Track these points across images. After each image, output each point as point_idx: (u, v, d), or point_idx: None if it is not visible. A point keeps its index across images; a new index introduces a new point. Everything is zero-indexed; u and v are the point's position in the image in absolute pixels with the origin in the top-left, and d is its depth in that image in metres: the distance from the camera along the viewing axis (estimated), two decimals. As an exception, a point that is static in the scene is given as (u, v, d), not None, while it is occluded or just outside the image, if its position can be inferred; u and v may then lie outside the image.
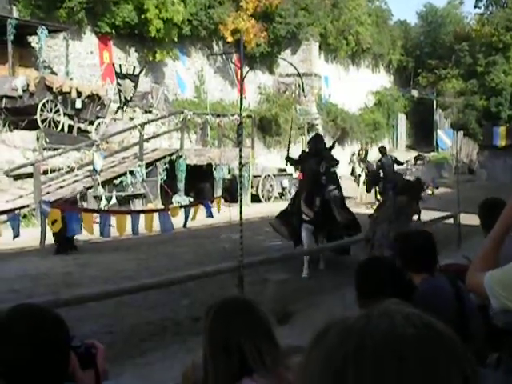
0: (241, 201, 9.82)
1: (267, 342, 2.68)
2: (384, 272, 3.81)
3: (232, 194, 27.88)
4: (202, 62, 41.88)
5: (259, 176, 30.95)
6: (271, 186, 31.60)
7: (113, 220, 15.94)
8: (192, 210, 17.53)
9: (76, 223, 15.47)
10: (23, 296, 11.13)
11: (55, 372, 2.42)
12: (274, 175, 32.24)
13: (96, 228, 15.69)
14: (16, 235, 15.23)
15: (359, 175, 32.68)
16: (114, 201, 24.08)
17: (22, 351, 2.36)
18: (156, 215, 16.58)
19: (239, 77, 38.75)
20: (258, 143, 35.43)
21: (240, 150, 9.42)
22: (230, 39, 40.32)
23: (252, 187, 30.18)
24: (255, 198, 29.89)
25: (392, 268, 3.94)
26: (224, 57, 42.66)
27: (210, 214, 18.50)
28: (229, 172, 29.50)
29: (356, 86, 52.51)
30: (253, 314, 2.74)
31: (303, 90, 38.38)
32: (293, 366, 2.60)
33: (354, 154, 35.32)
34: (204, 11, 39.52)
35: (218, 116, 33.11)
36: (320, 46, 48.50)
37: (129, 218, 15.71)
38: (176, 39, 37.05)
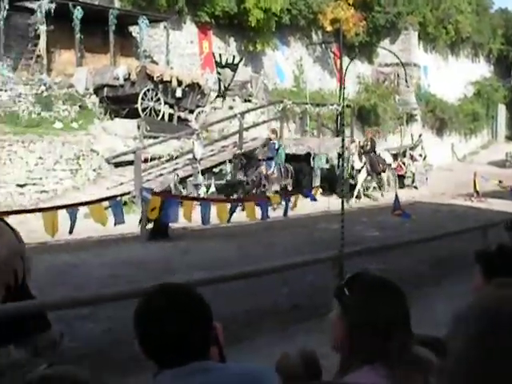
0: (342, 190, 9.76)
1: (406, 326, 2.56)
2: None
3: (330, 183, 27.82)
4: (301, 52, 41.74)
5: (357, 166, 30.67)
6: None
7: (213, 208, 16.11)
8: (292, 199, 17.55)
9: (174, 211, 15.72)
10: (124, 281, 11.32)
11: (202, 347, 2.51)
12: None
13: (196, 215, 15.87)
14: (119, 222, 15.52)
15: (358, 171, 29.11)
16: (212, 189, 24.27)
17: (173, 327, 2.44)
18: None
19: (338, 66, 38.54)
20: (357, 133, 35.06)
21: (343, 140, 9.33)
22: (329, 28, 40.01)
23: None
24: (353, 188, 29.66)
25: None
26: (323, 46, 42.47)
27: (313, 199, 18.55)
28: (327, 162, 29.33)
29: (455, 76, 51.40)
30: (398, 294, 2.62)
31: (406, 81, 37.70)
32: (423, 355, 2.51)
33: (353, 142, 29.92)
34: (303, 0, 39.34)
35: (317, 105, 32.91)
36: (419, 36, 47.66)
37: (228, 206, 15.84)
38: (275, 29, 37.03)
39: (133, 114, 26.34)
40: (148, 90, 26.67)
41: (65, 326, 8.81)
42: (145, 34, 30.57)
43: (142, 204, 16.68)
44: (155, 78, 27.15)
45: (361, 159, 29.12)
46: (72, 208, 14.41)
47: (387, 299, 2.55)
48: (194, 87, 29.11)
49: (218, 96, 31.92)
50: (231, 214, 16.91)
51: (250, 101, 33.63)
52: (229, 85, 32.13)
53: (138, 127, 25.27)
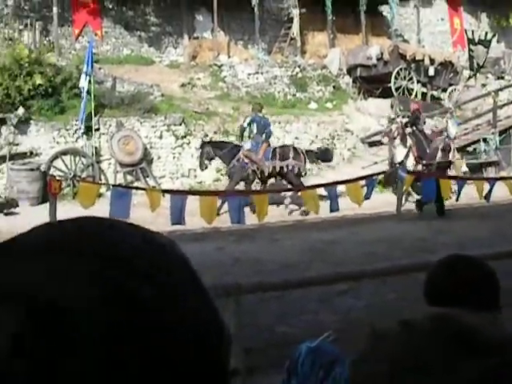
0: None
1: None
2: None
3: None
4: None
5: None
6: None
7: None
8: None
9: (431, 189, 15.68)
10: (380, 258, 11.48)
11: None
12: None
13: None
14: (366, 198, 15.64)
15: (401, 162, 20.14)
16: (464, 168, 23.81)
17: None
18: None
19: None
20: None
21: None
22: None
23: None
24: None
25: None
26: None
27: None
28: None
29: None
30: None
31: None
32: None
33: (392, 120, 23.19)
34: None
35: None
36: None
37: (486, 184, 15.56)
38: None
39: (386, 94, 26.42)
40: (401, 69, 26.64)
41: (325, 301, 9.17)
42: (395, 13, 30.47)
43: (399, 183, 16.75)
44: (408, 57, 27.10)
45: (402, 141, 21.09)
46: (330, 187, 14.71)
47: None
48: (447, 65, 28.70)
49: (471, 75, 31.16)
50: (489, 192, 16.52)
51: (503, 78, 32.60)
52: (483, 62, 31.26)
53: (392, 106, 25.29)
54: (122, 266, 0.70)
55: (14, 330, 0.64)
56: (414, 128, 21.23)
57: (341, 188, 15.58)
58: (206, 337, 0.72)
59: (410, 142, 21.07)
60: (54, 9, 24.28)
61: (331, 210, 14.32)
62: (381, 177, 19.91)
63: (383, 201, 17.67)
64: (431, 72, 27.71)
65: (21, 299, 0.66)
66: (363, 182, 15.95)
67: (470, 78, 31.17)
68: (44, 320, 0.65)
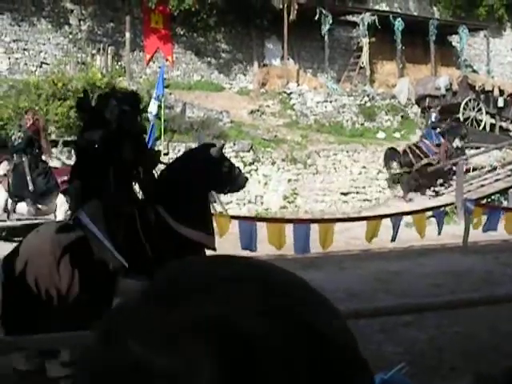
0: None
1: None
2: None
3: None
4: None
5: None
6: None
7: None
8: None
9: (495, 221, 15.68)
10: (445, 291, 11.50)
11: None
12: None
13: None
14: (439, 232, 15.73)
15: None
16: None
17: None
18: None
19: None
20: None
21: None
22: None
23: None
24: None
25: None
26: None
27: None
28: None
29: None
30: None
31: None
32: None
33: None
34: None
35: None
36: None
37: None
38: None
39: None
40: (470, 100, 26.58)
41: (389, 331, 9.25)
42: (465, 43, 30.43)
43: (466, 215, 16.71)
44: (477, 88, 27.01)
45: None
46: (396, 217, 14.80)
47: None
48: (517, 96, 28.49)
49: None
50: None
51: None
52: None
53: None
54: (297, 299, 0.78)
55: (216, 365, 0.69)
56: None
57: (406, 219, 15.68)
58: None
59: None
60: (127, 34, 24.85)
61: (392, 240, 14.50)
62: (448, 208, 19.92)
63: (449, 232, 17.61)
64: (500, 103, 27.56)
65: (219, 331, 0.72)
66: (429, 213, 16.01)
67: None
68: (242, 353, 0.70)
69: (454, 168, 22.83)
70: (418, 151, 23.26)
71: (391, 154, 22.81)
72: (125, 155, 6.86)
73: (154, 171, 7.42)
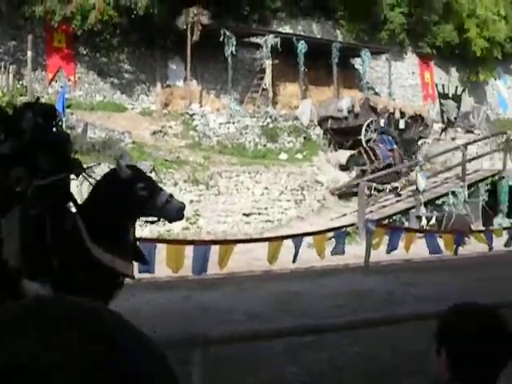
0: None
1: None
2: None
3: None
4: (525, 81, 40.68)
5: None
6: None
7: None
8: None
9: (396, 241, 15.87)
10: (346, 311, 11.45)
11: None
12: None
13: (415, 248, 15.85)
14: (340, 252, 15.73)
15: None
16: (433, 221, 23.99)
17: None
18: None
19: None
20: None
21: None
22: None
23: None
24: None
25: None
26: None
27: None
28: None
29: None
30: None
31: None
32: None
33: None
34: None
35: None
36: None
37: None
38: (499, 57, 36.33)
39: (356, 146, 26.62)
40: (371, 122, 26.87)
41: (289, 352, 9.10)
42: (367, 66, 30.90)
43: (367, 235, 16.80)
44: (378, 110, 27.35)
45: None
46: (297, 238, 14.75)
47: None
48: (417, 119, 29.04)
49: (443, 129, 31.56)
50: (457, 247, 16.71)
51: (472, 132, 33.09)
52: (455, 118, 31.72)
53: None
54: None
55: None
56: None
57: (309, 239, 15.67)
58: None
59: None
60: (29, 53, 24.33)
61: (293, 261, 14.48)
62: (350, 229, 20.04)
63: (351, 252, 17.66)
64: (402, 125, 27.99)
65: None
66: (331, 234, 16.03)
67: (442, 131, 31.57)
68: None
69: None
70: (371, 153, 25.00)
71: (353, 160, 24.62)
72: (41, 165, 6.53)
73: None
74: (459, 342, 2.34)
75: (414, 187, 24.51)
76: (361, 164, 24.93)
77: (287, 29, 31.31)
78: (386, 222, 21.64)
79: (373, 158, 25.19)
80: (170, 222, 7.12)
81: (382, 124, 26.74)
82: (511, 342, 2.37)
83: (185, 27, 26.12)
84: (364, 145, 26.12)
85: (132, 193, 6.45)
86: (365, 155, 25.31)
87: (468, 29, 34.57)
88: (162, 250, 12.52)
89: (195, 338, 6.26)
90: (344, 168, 25.46)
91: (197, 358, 5.96)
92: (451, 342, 2.35)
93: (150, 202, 6.49)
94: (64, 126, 20.52)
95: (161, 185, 20.89)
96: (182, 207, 6.68)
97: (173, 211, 6.59)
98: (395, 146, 26.19)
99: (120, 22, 25.03)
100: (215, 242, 14.38)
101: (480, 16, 34.76)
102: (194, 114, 25.96)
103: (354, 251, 17.68)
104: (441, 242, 16.88)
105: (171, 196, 6.73)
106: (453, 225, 23.48)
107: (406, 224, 23.10)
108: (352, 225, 20.34)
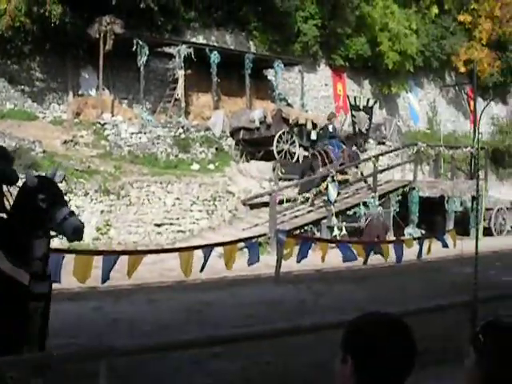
0: (477, 234, 9.68)
1: None
2: None
3: (464, 227, 27.41)
4: (435, 93, 41.66)
5: (491, 209, 30.21)
6: (504, 219, 30.70)
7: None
8: (426, 243, 17.50)
9: (305, 250, 16.06)
10: (258, 321, 11.52)
11: None
12: (507, 208, 31.25)
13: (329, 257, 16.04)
14: (254, 262, 15.80)
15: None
16: (343, 231, 24.30)
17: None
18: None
19: (472, 108, 38.11)
20: (491, 175, 34.58)
21: (477, 184, 9.33)
22: (462, 70, 39.83)
23: (484, 220, 29.36)
24: (487, 232, 29.06)
25: None
26: (457, 88, 42.10)
27: (445, 245, 18.46)
28: (461, 204, 28.96)
29: None
30: None
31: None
32: None
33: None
34: (436, 42, 39.35)
35: (451, 148, 32.59)
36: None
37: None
38: (411, 70, 37.10)
39: (268, 157, 26.81)
40: (283, 133, 27.10)
41: (198, 363, 9.11)
42: (280, 78, 31.14)
43: (278, 245, 16.93)
44: (290, 121, 27.61)
45: None
46: (207, 248, 14.76)
47: None
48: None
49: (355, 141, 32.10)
50: (367, 256, 17.05)
51: (383, 143, 33.65)
52: (367, 130, 32.21)
53: (274, 169, 25.63)
54: None
55: None
56: None
57: (220, 249, 15.72)
58: None
59: None
60: None
61: (201, 270, 14.50)
62: (261, 239, 20.18)
63: (263, 262, 17.75)
64: (313, 136, 28.26)
65: None
66: (242, 244, 16.13)
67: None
68: None
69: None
70: (325, 156, 26.42)
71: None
72: None
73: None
74: (365, 349, 2.36)
75: (325, 197, 24.76)
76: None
77: (201, 39, 31.30)
78: (297, 232, 21.81)
79: (326, 160, 26.18)
80: (69, 240, 6.71)
81: (330, 129, 27.85)
82: (415, 351, 2.43)
83: (97, 36, 25.83)
84: (276, 156, 26.35)
85: (32, 203, 6.22)
86: (319, 157, 26.28)
87: (380, 42, 35.10)
88: (71, 260, 12.38)
89: (101, 349, 6.24)
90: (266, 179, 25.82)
91: (102, 370, 5.92)
92: (357, 349, 2.37)
93: (47, 215, 6.22)
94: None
95: (71, 195, 20.89)
96: (80, 227, 6.30)
97: (69, 229, 6.24)
98: (344, 147, 27.60)
99: (32, 29, 24.65)
100: (125, 253, 14.27)
101: (392, 30, 35.33)
102: (105, 124, 25.72)
103: (266, 261, 17.77)
104: (355, 251, 17.15)
105: (72, 213, 6.40)
106: (370, 228, 23.98)
107: (318, 234, 23.37)
108: (263, 235, 20.49)
